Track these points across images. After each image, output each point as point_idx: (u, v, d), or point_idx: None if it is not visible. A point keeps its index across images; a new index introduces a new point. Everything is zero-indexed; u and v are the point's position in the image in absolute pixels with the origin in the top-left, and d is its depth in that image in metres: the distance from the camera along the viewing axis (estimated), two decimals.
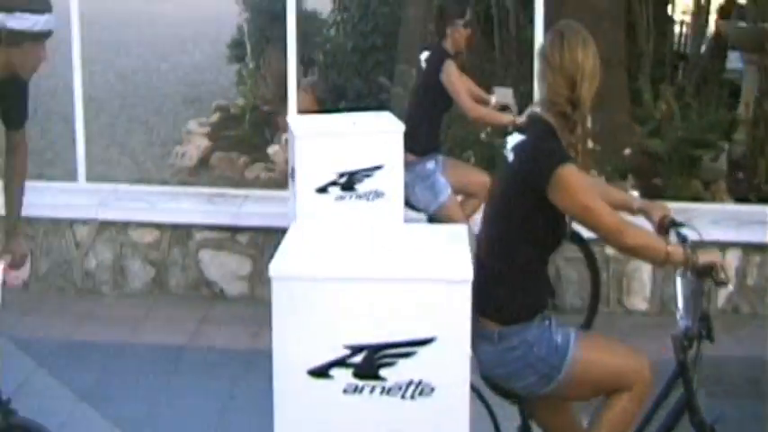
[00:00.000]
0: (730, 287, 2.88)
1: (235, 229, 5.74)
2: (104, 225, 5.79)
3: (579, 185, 2.71)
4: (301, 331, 2.63)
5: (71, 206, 5.89)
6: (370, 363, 2.62)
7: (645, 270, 5.48)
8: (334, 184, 4.53)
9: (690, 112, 6.81)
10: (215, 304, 5.63)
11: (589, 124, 2.84)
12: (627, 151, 6.56)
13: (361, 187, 4.55)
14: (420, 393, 2.63)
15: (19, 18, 3.19)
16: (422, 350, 2.62)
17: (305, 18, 8.93)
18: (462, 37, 5.11)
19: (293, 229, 2.99)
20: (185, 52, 12.83)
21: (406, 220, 4.72)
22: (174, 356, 4.91)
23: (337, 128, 4.77)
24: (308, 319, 2.63)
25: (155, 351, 4.95)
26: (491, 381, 2.93)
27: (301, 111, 6.33)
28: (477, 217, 5.11)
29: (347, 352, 2.62)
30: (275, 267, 2.66)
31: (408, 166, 4.77)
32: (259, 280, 5.58)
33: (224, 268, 5.74)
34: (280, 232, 3.01)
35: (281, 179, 6.77)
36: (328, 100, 8.82)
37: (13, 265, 3.44)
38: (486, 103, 5.24)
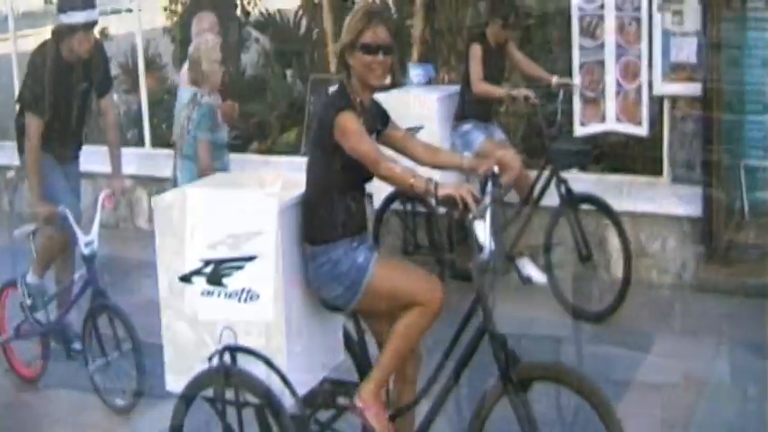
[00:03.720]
0: (470, 216, 3.07)
1: None
2: None
3: (350, 129, 3.26)
4: (173, 247, 3.50)
5: None
6: (216, 273, 3.43)
7: None
8: None
9: None
10: None
11: None
12: None
13: None
14: (250, 299, 3.39)
15: (70, 14, 4.50)
16: (248, 265, 3.37)
17: None
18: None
19: (203, 179, 3.87)
20: None
21: None
22: None
23: None
24: (176, 238, 3.49)
25: None
26: (319, 297, 3.51)
27: None
28: None
29: (201, 264, 3.45)
30: (155, 200, 3.56)
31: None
32: None
33: None
34: None
35: None
36: None
37: (111, 195, 4.81)
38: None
